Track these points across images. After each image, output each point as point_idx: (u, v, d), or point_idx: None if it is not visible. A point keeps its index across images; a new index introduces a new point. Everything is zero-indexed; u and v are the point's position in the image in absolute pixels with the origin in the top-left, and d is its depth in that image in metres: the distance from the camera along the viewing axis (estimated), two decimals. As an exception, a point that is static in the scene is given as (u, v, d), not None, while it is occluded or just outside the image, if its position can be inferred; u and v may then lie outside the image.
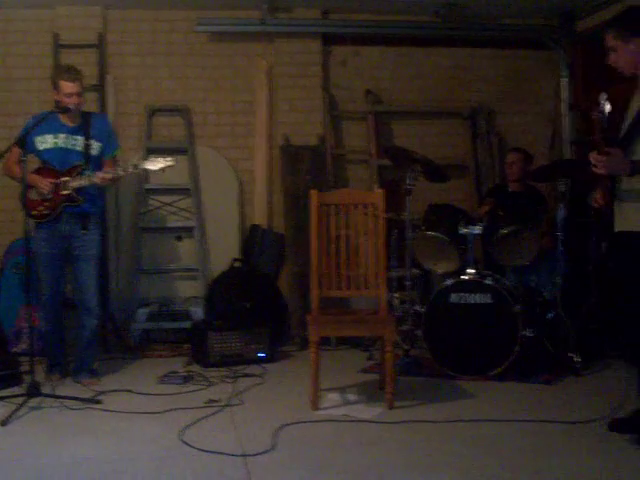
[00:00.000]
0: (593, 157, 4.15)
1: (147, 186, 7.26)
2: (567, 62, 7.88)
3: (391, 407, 5.00)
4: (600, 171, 4.16)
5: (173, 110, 7.43)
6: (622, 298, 4.46)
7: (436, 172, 6.44)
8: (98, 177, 5.54)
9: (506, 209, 6.21)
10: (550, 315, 6.15)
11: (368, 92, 7.73)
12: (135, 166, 5.71)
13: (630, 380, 4.58)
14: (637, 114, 4.27)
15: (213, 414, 4.91)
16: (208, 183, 7.40)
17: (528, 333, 5.82)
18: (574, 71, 7.89)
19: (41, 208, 5.58)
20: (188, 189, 7.31)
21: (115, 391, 5.47)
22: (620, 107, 7.06)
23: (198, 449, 4.23)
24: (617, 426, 4.50)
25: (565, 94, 7.92)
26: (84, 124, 5.70)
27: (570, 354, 5.95)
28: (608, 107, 4.08)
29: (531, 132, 8.11)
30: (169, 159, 5.67)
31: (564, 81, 7.91)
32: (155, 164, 5.67)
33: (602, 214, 4.47)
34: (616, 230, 4.35)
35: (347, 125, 7.82)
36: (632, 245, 4.26)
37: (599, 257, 4.41)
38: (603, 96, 4.05)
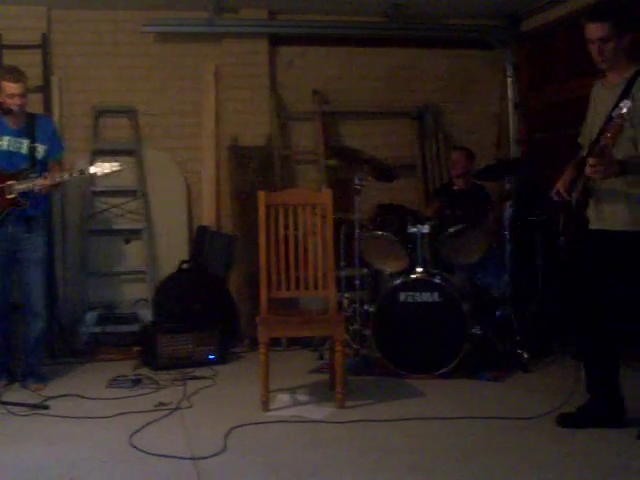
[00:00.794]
0: (590, 161, 4.06)
1: (94, 188, 7.18)
2: (512, 62, 7.96)
3: (341, 407, 5.01)
4: (594, 176, 4.12)
5: (120, 111, 7.36)
6: (585, 293, 4.49)
7: (384, 172, 6.47)
8: (43, 184, 5.46)
9: (453, 208, 6.25)
10: (498, 313, 6.21)
11: (315, 92, 7.74)
12: (82, 171, 5.64)
13: (577, 376, 4.64)
14: (610, 113, 4.21)
15: (163, 417, 4.88)
16: (156, 185, 7.34)
17: (476, 331, 5.87)
18: (519, 70, 7.97)
19: (-14, 212, 5.50)
20: (136, 191, 7.26)
21: (63, 396, 5.39)
22: (565, 104, 7.19)
23: (148, 453, 4.19)
24: (565, 421, 4.56)
25: (511, 93, 8.00)
26: (29, 126, 5.62)
27: (518, 351, 6.01)
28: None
29: (478, 131, 8.18)
30: (115, 164, 5.62)
31: (510, 80, 7.99)
32: (102, 168, 5.61)
33: (563, 208, 4.50)
34: (592, 228, 4.37)
35: (295, 125, 7.82)
36: (609, 243, 4.31)
37: (556, 251, 4.42)
38: (627, 103, 4.00)
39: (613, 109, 4.16)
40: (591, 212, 4.37)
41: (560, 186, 4.53)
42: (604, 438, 4.32)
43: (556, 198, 4.54)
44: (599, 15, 4.31)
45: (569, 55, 7.21)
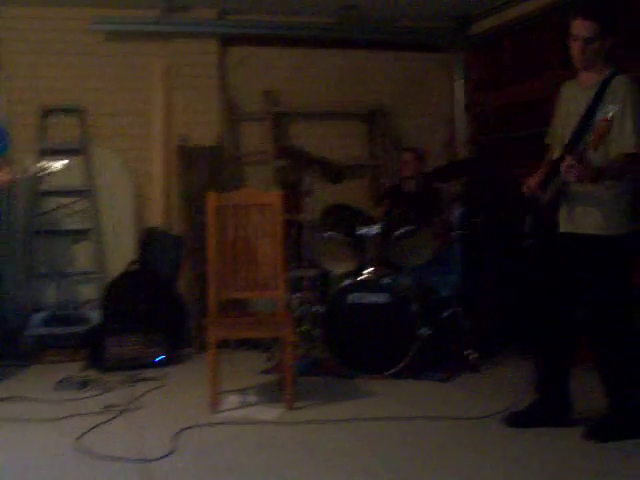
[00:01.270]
0: (569, 162, 4.03)
1: (41, 188, 7.08)
2: (462, 64, 8.03)
3: (291, 408, 5.01)
4: (569, 178, 4.09)
5: (68, 110, 7.26)
6: (549, 294, 4.53)
7: (333, 173, 6.49)
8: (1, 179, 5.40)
9: (402, 209, 6.27)
10: (447, 313, 6.26)
11: (266, 93, 7.72)
12: (42, 168, 5.58)
13: (526, 375, 4.69)
14: (586, 114, 4.27)
15: (111, 419, 4.84)
16: (104, 185, 7.26)
17: (425, 331, 5.90)
18: (469, 73, 8.04)
19: None
20: (84, 191, 7.17)
21: (8, 399, 5.33)
22: (512, 107, 7.26)
23: (96, 455, 4.17)
24: (512, 420, 4.61)
25: (460, 96, 8.07)
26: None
27: (466, 351, 6.06)
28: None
29: (427, 133, 8.22)
30: (63, 161, 5.57)
31: (459, 83, 8.06)
32: (56, 164, 5.56)
33: (531, 209, 4.51)
34: (562, 230, 4.39)
35: (245, 126, 7.79)
36: (580, 247, 4.34)
37: (523, 249, 4.44)
38: (613, 107, 4.01)
39: (592, 112, 4.20)
40: (562, 215, 4.38)
41: (531, 181, 4.51)
42: (551, 438, 4.38)
43: (527, 193, 4.53)
44: (590, 13, 4.23)
45: (517, 58, 7.29)
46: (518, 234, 4.58)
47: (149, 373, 6.01)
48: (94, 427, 4.65)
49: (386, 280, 5.91)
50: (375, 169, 8.04)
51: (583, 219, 4.31)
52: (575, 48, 4.30)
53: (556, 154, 4.48)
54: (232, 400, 5.29)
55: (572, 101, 4.47)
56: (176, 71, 7.47)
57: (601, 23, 4.21)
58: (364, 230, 6.13)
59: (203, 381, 5.27)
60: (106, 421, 4.79)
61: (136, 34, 7.39)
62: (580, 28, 4.23)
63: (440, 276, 6.57)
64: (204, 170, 7.35)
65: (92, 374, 6.00)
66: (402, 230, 6.15)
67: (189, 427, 4.63)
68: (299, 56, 7.92)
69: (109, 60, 7.36)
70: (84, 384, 5.66)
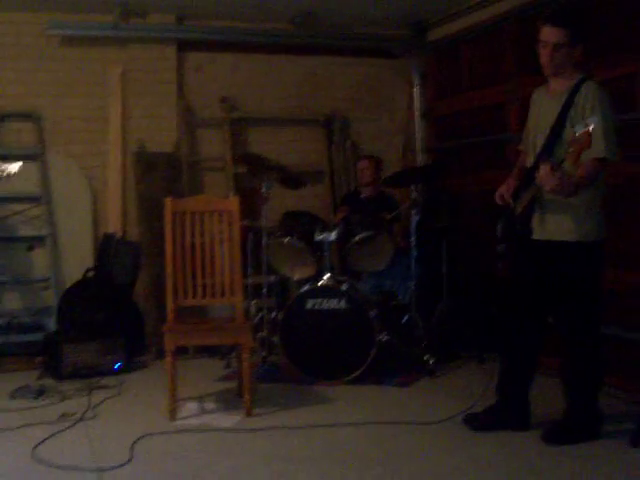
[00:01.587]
0: (546, 172, 4.03)
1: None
2: (419, 71, 8.07)
3: (249, 415, 5.00)
4: (545, 187, 4.09)
5: (23, 116, 7.18)
6: (521, 300, 4.56)
7: (291, 179, 6.50)
8: None
9: (360, 215, 6.29)
10: (405, 318, 6.29)
11: (224, 99, 7.71)
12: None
13: (484, 379, 4.72)
14: (556, 122, 4.31)
15: (67, 428, 4.78)
16: (60, 191, 7.19)
17: (383, 337, 5.93)
18: (426, 80, 8.09)
19: None
20: (39, 197, 7.09)
21: (-38, 408, 5.26)
22: (469, 114, 7.32)
23: (52, 465, 4.12)
24: (471, 421, 4.64)
25: (417, 102, 8.11)
26: None
27: (425, 356, 6.08)
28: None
29: (384, 139, 8.27)
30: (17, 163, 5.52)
31: (416, 90, 8.10)
32: (5, 169, 5.51)
33: (503, 215, 4.54)
34: (534, 238, 4.41)
35: (203, 132, 7.77)
36: (553, 253, 4.37)
37: (495, 257, 4.47)
38: (594, 119, 4.02)
39: (561, 119, 4.24)
40: (535, 222, 4.40)
41: (504, 190, 4.55)
42: (508, 442, 4.42)
43: (499, 202, 4.57)
44: (559, 20, 4.27)
45: (473, 65, 7.35)
46: (486, 239, 4.61)
47: (106, 381, 5.95)
48: (50, 436, 4.59)
49: (344, 286, 5.92)
50: (333, 175, 8.04)
51: (555, 226, 4.35)
52: (544, 54, 4.34)
53: (529, 160, 4.51)
54: (190, 407, 5.26)
55: (542, 108, 4.51)
56: (133, 76, 7.43)
57: (570, 30, 4.25)
58: (322, 236, 6.13)
59: (161, 388, 5.25)
60: (63, 430, 4.74)
61: (92, 39, 7.33)
62: (549, 34, 4.28)
63: (398, 281, 6.61)
64: (161, 176, 7.32)
65: (48, 382, 5.93)
66: (360, 236, 6.16)
67: (146, 435, 4.60)
68: (257, 62, 7.91)
69: (65, 65, 7.30)
70: (40, 393, 5.58)
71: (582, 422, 4.44)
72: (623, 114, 5.39)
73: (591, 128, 3.93)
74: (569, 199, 4.22)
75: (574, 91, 4.27)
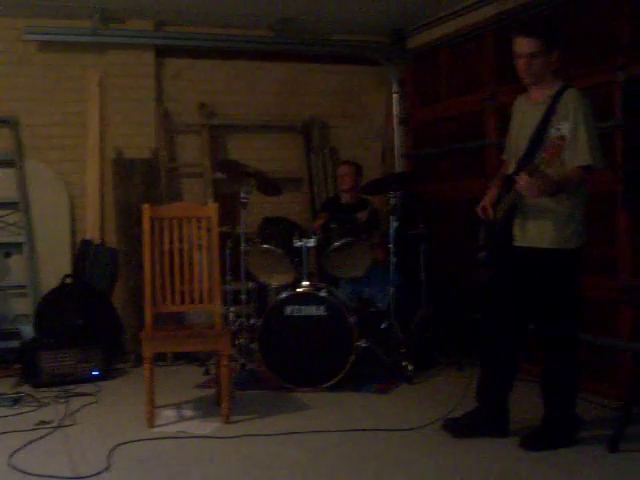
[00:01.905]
0: (525, 180, 4.07)
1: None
2: (398, 78, 8.09)
3: (228, 422, 4.99)
4: (528, 195, 4.15)
5: (0, 121, 7.15)
6: (502, 306, 4.57)
7: (270, 185, 6.49)
8: None
9: (339, 222, 6.29)
10: (383, 325, 6.29)
11: (202, 105, 7.69)
12: None
13: (462, 385, 4.73)
14: (538, 130, 4.32)
15: (45, 436, 4.75)
16: (38, 197, 7.15)
17: (362, 343, 5.93)
18: (405, 87, 8.11)
19: None
20: (16, 203, 7.06)
21: (-62, 416, 5.22)
22: (447, 121, 7.36)
23: (29, 474, 4.09)
24: (451, 426, 4.65)
25: (396, 109, 8.13)
26: None
27: (403, 363, 6.09)
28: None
29: (363, 146, 8.29)
30: None
31: (395, 96, 8.12)
32: None
33: (484, 222, 4.56)
34: (516, 244, 4.43)
35: (181, 138, 7.75)
36: (534, 260, 4.38)
37: (477, 264, 4.49)
38: (566, 125, 4.07)
39: (544, 127, 4.24)
40: (516, 229, 4.42)
41: (486, 202, 4.57)
42: (487, 448, 4.43)
43: (482, 216, 4.58)
44: (530, 30, 4.29)
45: (452, 73, 7.38)
46: (465, 246, 4.62)
47: (84, 388, 5.93)
48: (27, 444, 4.57)
49: (323, 292, 5.92)
50: (312, 181, 8.05)
51: (537, 233, 4.37)
52: (520, 65, 4.35)
53: (511, 169, 4.53)
54: (168, 415, 5.25)
55: (524, 116, 4.53)
56: (111, 82, 7.40)
57: (543, 39, 4.27)
58: (301, 242, 6.13)
59: (139, 396, 5.23)
60: (40, 438, 4.71)
61: (71, 44, 7.30)
62: (522, 45, 4.30)
63: (377, 288, 6.61)
64: (140, 182, 7.29)
65: (26, 390, 5.89)
66: (339, 243, 6.16)
67: (124, 443, 4.58)
68: (236, 68, 7.91)
69: (43, 70, 7.27)
70: (17, 400, 5.55)
71: (560, 428, 4.46)
72: (602, 122, 5.46)
73: (563, 134, 3.98)
74: (550, 207, 4.27)
75: (556, 99, 4.29)
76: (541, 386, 4.58)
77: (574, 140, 4.18)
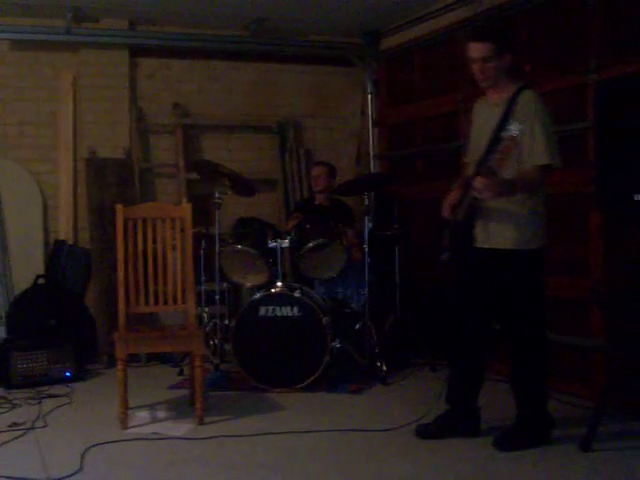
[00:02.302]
0: (480, 182, 4.13)
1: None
2: (372, 79, 8.11)
3: (201, 423, 4.97)
4: (485, 197, 4.20)
5: (-28, 120, 7.12)
6: (465, 307, 4.60)
7: (244, 186, 6.48)
8: None
9: (313, 223, 6.29)
10: (358, 326, 6.30)
11: (176, 105, 7.67)
12: None
13: (435, 386, 4.75)
14: (495, 132, 4.34)
15: (17, 438, 4.72)
16: (10, 197, 7.09)
17: (336, 344, 5.94)
18: (379, 88, 8.13)
19: None
20: (-12, 203, 7.02)
21: None
22: (421, 122, 7.38)
23: (1, 476, 4.04)
24: (423, 432, 4.66)
25: (371, 110, 8.14)
26: None
27: (377, 363, 6.10)
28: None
29: (337, 146, 8.30)
30: None
31: (369, 97, 8.13)
32: None
33: (448, 224, 4.58)
34: (478, 246, 4.45)
35: (155, 138, 7.72)
36: (496, 261, 4.41)
37: (442, 266, 4.51)
38: (517, 125, 4.09)
39: (500, 129, 4.27)
40: (478, 230, 4.45)
41: (447, 204, 4.59)
42: (460, 448, 4.45)
43: (445, 215, 4.60)
44: (482, 35, 4.41)
45: (426, 74, 7.40)
46: (437, 247, 4.65)
47: (57, 389, 5.90)
48: (-1, 446, 4.55)
49: (297, 293, 5.92)
50: (286, 182, 8.04)
51: (498, 234, 4.40)
52: (475, 70, 4.45)
53: (471, 171, 4.56)
54: (142, 416, 5.23)
55: (483, 119, 4.59)
56: (85, 82, 7.37)
57: (494, 43, 4.36)
58: (275, 243, 6.13)
59: (112, 397, 5.20)
60: (12, 439, 4.67)
61: (44, 43, 7.25)
62: (475, 50, 4.40)
63: (351, 289, 6.63)
64: (113, 182, 7.26)
65: (-3, 391, 5.86)
66: (313, 243, 6.16)
67: (97, 444, 4.55)
68: (210, 68, 7.90)
69: (15, 69, 7.22)
70: (-12, 401, 5.52)
71: (533, 427, 4.49)
72: (574, 123, 5.50)
73: (514, 134, 4.04)
74: (511, 208, 4.33)
75: (512, 100, 4.36)
76: (511, 386, 4.61)
77: (531, 140, 4.26)
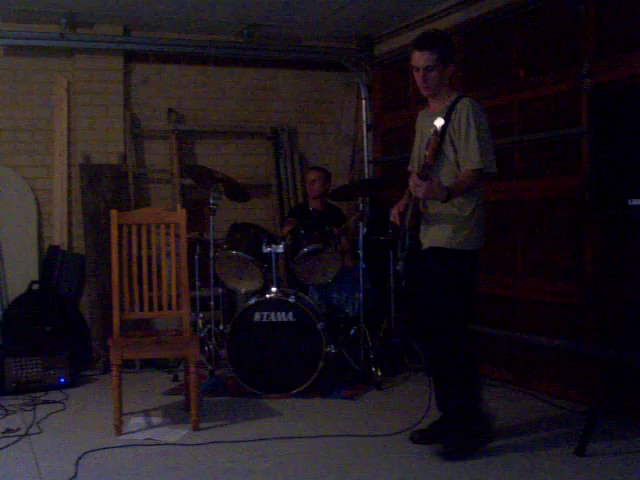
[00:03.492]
0: (414, 181, 4.21)
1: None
2: (366, 84, 8.12)
3: (196, 429, 4.97)
4: (418, 195, 4.26)
5: (-35, 126, 7.11)
6: (423, 312, 4.59)
7: (238, 191, 6.49)
8: None
9: (307, 228, 6.29)
10: (352, 331, 6.30)
11: (171, 111, 7.67)
12: None
13: (430, 392, 4.75)
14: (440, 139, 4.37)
15: (11, 444, 4.71)
16: (4, 203, 7.07)
17: (331, 349, 5.94)
18: (373, 93, 8.13)
19: None
20: (-18, 209, 7.01)
21: None
22: (413, 127, 7.36)
23: (-6, 482, 4.06)
24: (418, 438, 4.65)
25: (364, 115, 8.15)
26: None
27: (372, 369, 6.10)
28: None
29: (332, 152, 8.31)
30: None
31: (364, 103, 8.14)
32: None
33: (399, 231, 4.61)
34: (423, 248, 4.50)
35: (149, 144, 7.71)
36: (433, 259, 4.45)
37: (396, 274, 4.56)
38: (440, 121, 4.17)
39: (441, 135, 4.32)
40: (422, 235, 4.53)
41: (395, 212, 4.69)
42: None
43: (394, 222, 4.69)
44: (426, 44, 4.44)
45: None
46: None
47: (51, 396, 5.88)
48: (-7, 452, 4.54)
49: (292, 299, 5.91)
50: (280, 187, 8.04)
51: (436, 234, 4.46)
52: (417, 78, 4.52)
53: None
54: (137, 422, 5.22)
55: (424, 127, 4.64)
56: (79, 87, 7.36)
57: (437, 53, 4.42)
58: (270, 249, 6.13)
59: (107, 403, 5.20)
60: (6, 446, 4.67)
61: (38, 49, 7.25)
62: (418, 59, 4.46)
63: (346, 294, 6.63)
64: (107, 188, 7.25)
65: (-9, 397, 5.85)
66: (307, 249, 6.17)
67: (92, 450, 4.55)
68: (204, 74, 7.90)
69: (9, 75, 7.22)
70: (-17, 408, 5.51)
71: (469, 431, 4.44)
72: (568, 129, 5.52)
73: (437, 127, 4.16)
74: (450, 212, 4.39)
75: (451, 108, 4.42)
76: (435, 392, 4.64)
77: (465, 145, 4.34)
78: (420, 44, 4.47)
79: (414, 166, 4.75)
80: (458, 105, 4.40)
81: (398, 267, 4.54)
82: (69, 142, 7.35)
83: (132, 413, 5.35)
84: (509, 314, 6.06)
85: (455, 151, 4.38)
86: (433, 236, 4.46)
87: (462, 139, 4.34)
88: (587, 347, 5.41)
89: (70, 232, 7.32)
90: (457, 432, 4.46)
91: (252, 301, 5.97)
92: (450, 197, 4.25)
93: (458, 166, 4.39)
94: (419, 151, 4.65)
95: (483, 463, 4.30)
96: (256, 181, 7.92)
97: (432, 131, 4.20)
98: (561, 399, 5.49)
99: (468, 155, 4.33)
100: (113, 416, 4.93)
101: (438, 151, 4.29)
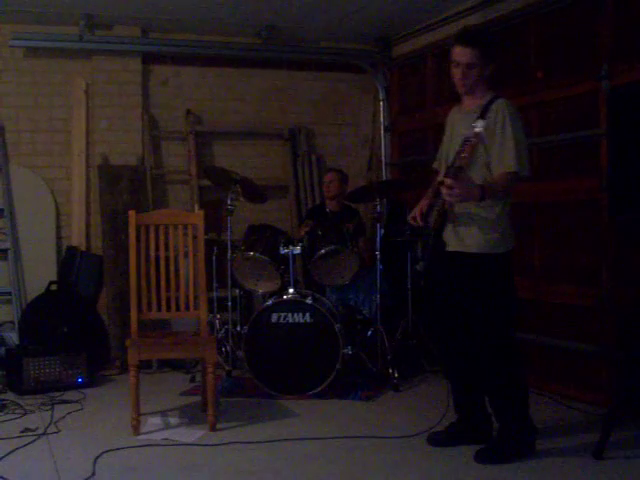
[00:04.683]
0: (447, 183, 4.09)
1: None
2: (384, 86, 8.11)
3: (213, 429, 4.98)
4: (452, 197, 4.14)
5: (-14, 127, 7.15)
6: (443, 314, 4.56)
7: (256, 192, 6.50)
8: None
9: (325, 229, 6.29)
10: (369, 332, 6.30)
11: (188, 112, 7.69)
12: None
13: (448, 395, 4.74)
14: (466, 138, 4.32)
15: (29, 444, 4.73)
16: (23, 204, 7.12)
17: (348, 351, 5.93)
18: (390, 94, 8.13)
19: None
20: (2, 210, 7.04)
21: None
22: (433, 129, 7.36)
23: (13, 481, 4.08)
24: (435, 440, 4.65)
25: (382, 117, 8.15)
26: None
27: (389, 370, 6.10)
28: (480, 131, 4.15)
29: (349, 153, 8.31)
30: None
31: (381, 104, 8.14)
32: None
33: (422, 231, 4.58)
34: (449, 250, 4.43)
35: (167, 145, 7.74)
36: (465, 264, 4.39)
37: (415, 274, 4.53)
38: (481, 122, 4.11)
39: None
40: (448, 235, 4.44)
41: (416, 211, 4.60)
42: (472, 456, 4.42)
43: (412, 223, 4.61)
44: (470, 40, 4.34)
45: (437, 81, 7.40)
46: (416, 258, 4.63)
47: (69, 395, 5.91)
48: (12, 452, 4.55)
49: (309, 300, 5.91)
50: (297, 189, 8.05)
51: (466, 238, 4.39)
52: (456, 74, 4.42)
53: (440, 178, 4.55)
54: (154, 422, 5.23)
55: (455, 125, 4.58)
56: (98, 89, 7.40)
57: (480, 50, 4.33)
58: (287, 250, 6.14)
59: (124, 403, 5.22)
60: (24, 445, 4.69)
61: (57, 51, 7.29)
62: (460, 55, 4.36)
63: (363, 295, 6.63)
64: (126, 189, 7.28)
65: (10, 397, 5.86)
66: (324, 250, 6.17)
67: (110, 450, 4.56)
68: (222, 75, 7.92)
69: (29, 76, 7.26)
70: (1, 407, 5.53)
71: (515, 440, 4.40)
72: (586, 131, 5.50)
73: (478, 130, 4.06)
74: (478, 213, 4.33)
75: (485, 108, 4.35)
76: (488, 399, 4.56)
77: (501, 147, 4.26)
78: (463, 39, 4.36)
79: (438, 164, 4.71)
80: (493, 106, 4.32)
81: (419, 267, 4.48)
82: (87, 143, 7.39)
83: (149, 413, 5.36)
84: (527, 317, 6.04)
85: (487, 153, 4.31)
86: (466, 239, 4.39)
87: (497, 141, 4.25)
88: (605, 350, 5.39)
89: (88, 233, 7.35)
90: (505, 440, 4.42)
91: (269, 302, 5.98)
92: (484, 198, 4.18)
93: (487, 168, 4.33)
94: (447, 149, 4.57)
95: (500, 466, 4.28)
96: (273, 182, 7.94)
97: (472, 132, 4.11)
98: (578, 402, 5.47)
99: (504, 157, 4.25)
100: (130, 416, 4.95)
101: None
